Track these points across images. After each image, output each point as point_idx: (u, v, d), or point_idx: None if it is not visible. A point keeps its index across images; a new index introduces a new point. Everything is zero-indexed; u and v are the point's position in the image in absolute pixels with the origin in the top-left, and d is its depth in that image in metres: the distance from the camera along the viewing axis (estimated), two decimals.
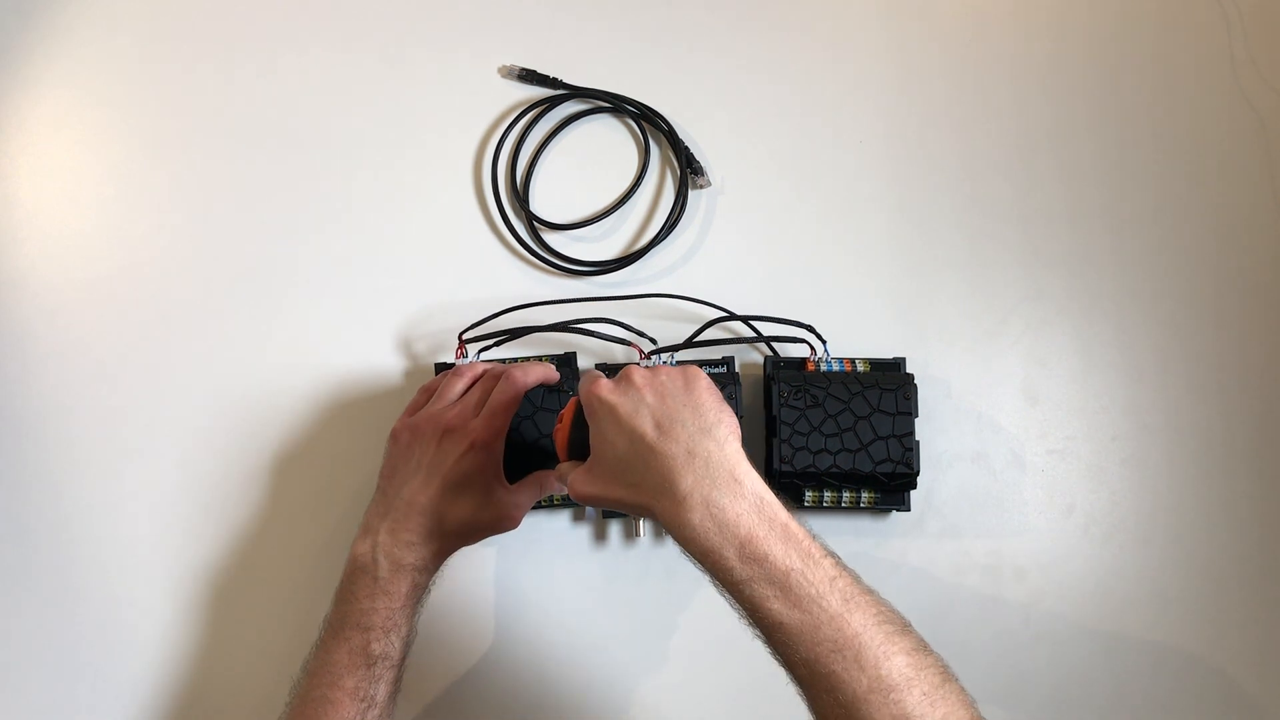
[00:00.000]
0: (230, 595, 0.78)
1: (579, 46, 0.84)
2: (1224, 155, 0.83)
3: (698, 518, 0.54)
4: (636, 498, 0.57)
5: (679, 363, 0.74)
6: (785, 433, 0.73)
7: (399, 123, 0.83)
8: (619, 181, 0.83)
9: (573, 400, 0.65)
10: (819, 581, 0.53)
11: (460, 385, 0.71)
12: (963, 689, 0.53)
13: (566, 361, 0.77)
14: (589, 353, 0.79)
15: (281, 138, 0.83)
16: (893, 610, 0.55)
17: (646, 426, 0.57)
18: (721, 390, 0.73)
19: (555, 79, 0.83)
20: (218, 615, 0.77)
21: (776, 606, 0.53)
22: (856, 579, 0.55)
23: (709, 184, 0.82)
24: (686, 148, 0.82)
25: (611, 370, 0.76)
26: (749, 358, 0.80)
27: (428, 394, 0.73)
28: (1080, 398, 0.80)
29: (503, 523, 0.69)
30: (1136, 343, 0.81)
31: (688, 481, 0.55)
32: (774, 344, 0.78)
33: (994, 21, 0.85)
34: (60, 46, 0.84)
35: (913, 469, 0.73)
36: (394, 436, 0.70)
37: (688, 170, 0.81)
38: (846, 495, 0.75)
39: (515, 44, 0.84)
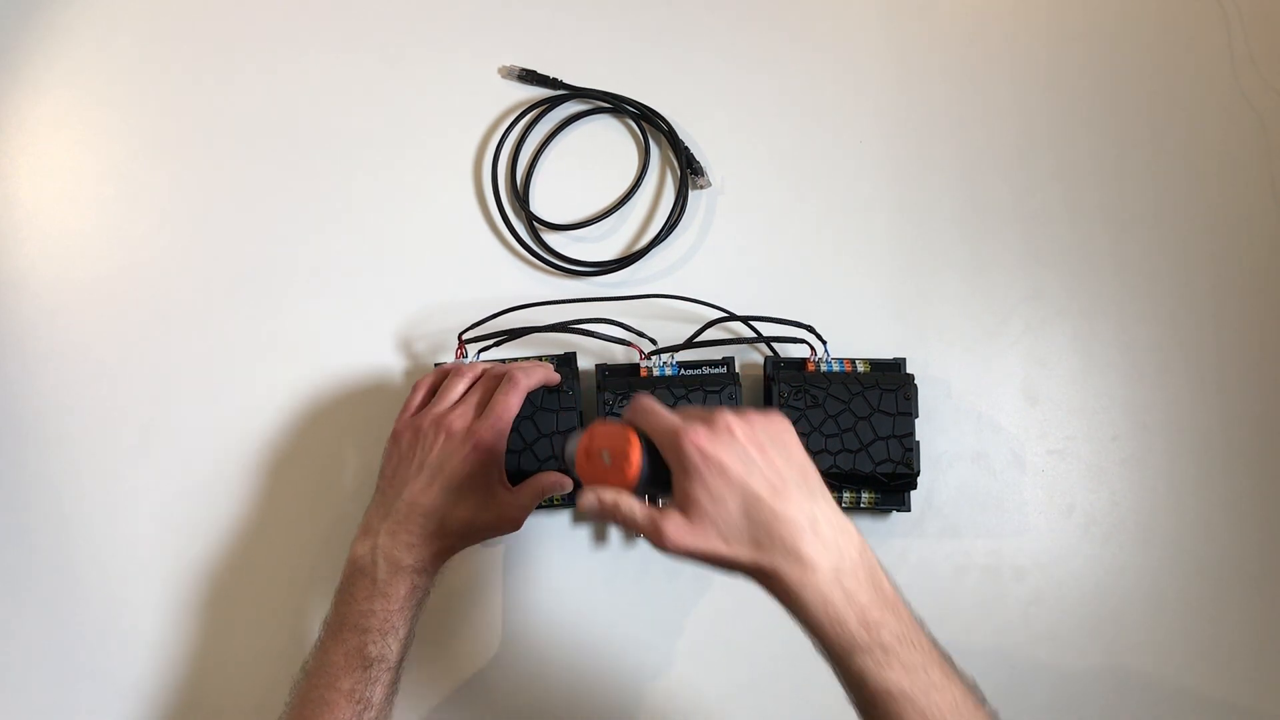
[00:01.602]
0: (230, 595, 0.78)
1: (579, 46, 0.84)
2: (1224, 155, 0.83)
3: (826, 584, 0.53)
4: (756, 560, 0.54)
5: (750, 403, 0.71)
6: None
7: (399, 123, 0.83)
8: (619, 182, 0.83)
9: (629, 432, 0.57)
10: (924, 650, 0.54)
11: (461, 385, 0.71)
12: None
13: (566, 362, 0.77)
14: (589, 353, 0.79)
15: (281, 138, 0.83)
16: (971, 680, 0.57)
17: (763, 490, 0.54)
18: (721, 390, 0.74)
19: (555, 79, 0.83)
20: (217, 615, 0.77)
21: (891, 676, 0.53)
22: (945, 651, 0.56)
23: (709, 184, 0.82)
24: (686, 148, 0.82)
25: (628, 381, 0.76)
26: (749, 358, 0.80)
27: (424, 390, 0.72)
28: (1080, 398, 0.80)
29: (505, 524, 0.69)
30: (1136, 343, 0.81)
31: (816, 547, 0.54)
32: (774, 344, 0.78)
33: (994, 21, 0.85)
34: (60, 46, 0.84)
35: (913, 469, 0.73)
36: (395, 436, 0.70)
37: (688, 170, 0.81)
38: (846, 495, 0.75)
39: (515, 44, 0.84)
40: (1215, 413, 0.80)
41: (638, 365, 0.76)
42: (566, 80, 0.83)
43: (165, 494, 0.78)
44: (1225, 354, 0.80)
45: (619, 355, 0.79)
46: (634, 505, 0.56)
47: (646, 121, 0.83)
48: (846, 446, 0.73)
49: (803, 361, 0.76)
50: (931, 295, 0.81)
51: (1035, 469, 0.79)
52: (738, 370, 0.77)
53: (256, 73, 0.84)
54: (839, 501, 0.74)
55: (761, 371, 0.78)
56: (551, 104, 0.83)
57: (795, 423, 0.73)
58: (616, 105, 0.83)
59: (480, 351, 0.76)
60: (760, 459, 0.55)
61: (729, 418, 0.55)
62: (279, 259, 0.81)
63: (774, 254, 0.82)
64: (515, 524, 0.69)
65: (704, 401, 0.73)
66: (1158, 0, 0.85)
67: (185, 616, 0.77)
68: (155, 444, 0.79)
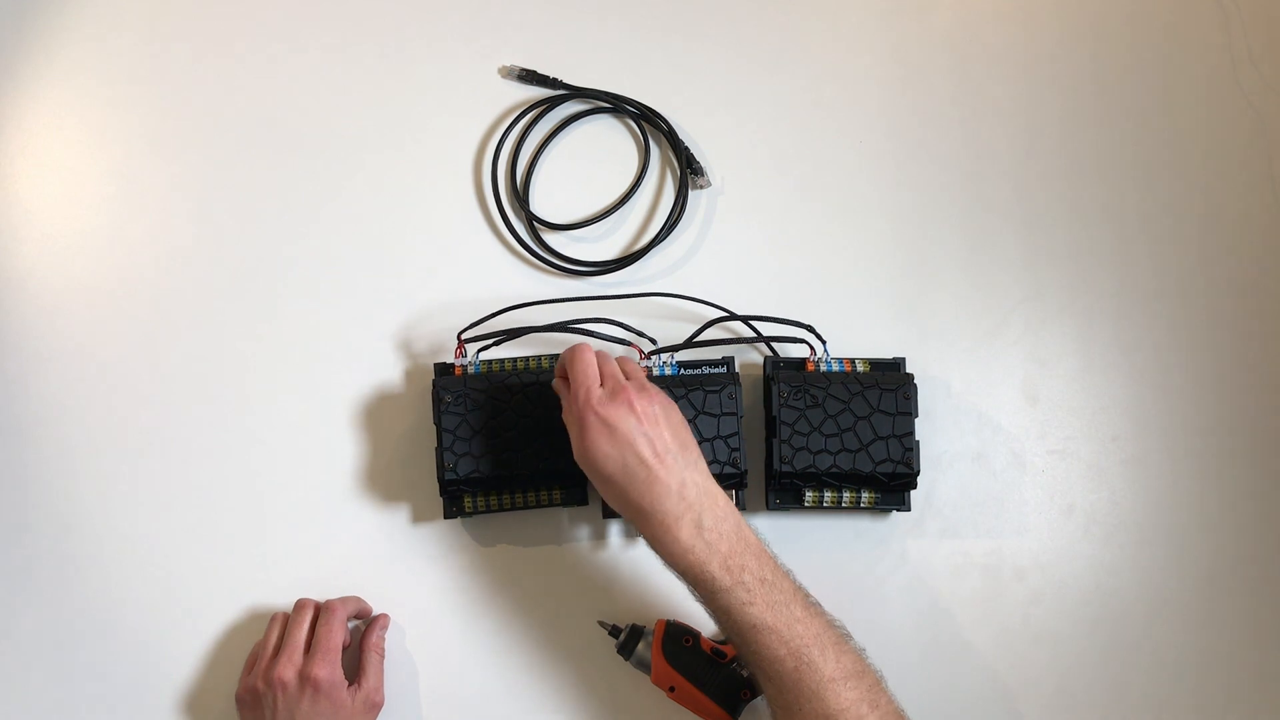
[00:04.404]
0: (230, 595, 0.78)
1: (579, 46, 0.84)
2: (1224, 155, 0.83)
3: (686, 535, 0.63)
4: (626, 506, 0.65)
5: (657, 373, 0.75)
6: (785, 433, 0.73)
7: (399, 123, 0.83)
8: (619, 181, 0.83)
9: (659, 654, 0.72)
10: (786, 590, 0.63)
11: (276, 632, 0.74)
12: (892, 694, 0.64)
13: None
14: None
15: (281, 138, 0.83)
16: (838, 622, 0.65)
17: (645, 452, 0.63)
18: (721, 390, 0.74)
19: (555, 79, 0.83)
20: (217, 615, 0.77)
21: (754, 611, 0.62)
22: (808, 594, 0.65)
23: (709, 184, 0.82)
24: (686, 148, 0.82)
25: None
26: (749, 358, 0.80)
27: (260, 647, 0.74)
28: (1080, 398, 0.80)
29: (371, 714, 0.73)
30: (1136, 343, 0.81)
31: (679, 507, 0.63)
32: (774, 344, 0.78)
33: (994, 21, 0.85)
34: (60, 46, 0.84)
35: (913, 469, 0.73)
36: (239, 702, 0.73)
37: (688, 170, 0.81)
38: (846, 495, 0.75)
39: (515, 44, 0.84)
40: (1215, 413, 0.80)
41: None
42: (566, 80, 0.83)
43: (165, 494, 0.78)
44: (1225, 354, 0.80)
45: (619, 355, 0.78)
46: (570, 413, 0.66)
47: (646, 121, 0.83)
48: (846, 446, 0.73)
49: (802, 361, 0.76)
50: (931, 295, 0.81)
51: (1035, 469, 0.79)
52: (738, 370, 0.77)
53: (256, 73, 0.84)
54: (839, 501, 0.75)
55: (761, 371, 0.78)
56: (551, 104, 0.83)
57: (795, 422, 0.73)
58: (616, 105, 0.83)
59: (480, 350, 0.76)
60: (649, 428, 0.64)
61: (630, 391, 0.65)
62: (279, 259, 0.81)
63: (774, 254, 0.82)
64: (377, 707, 0.73)
65: (704, 401, 0.73)
66: (1158, 0, 0.85)
67: (185, 616, 0.77)
68: (155, 444, 0.79)
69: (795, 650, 0.61)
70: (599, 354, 0.68)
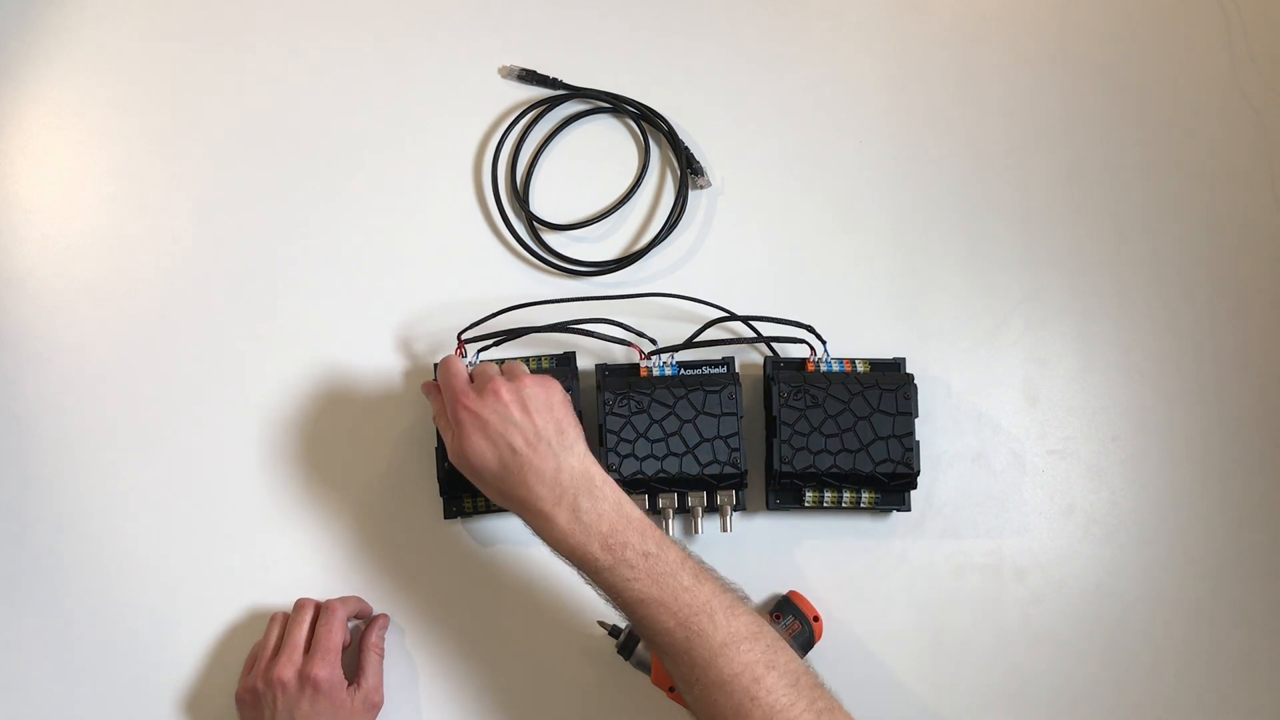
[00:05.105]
0: (230, 595, 0.78)
1: (579, 46, 0.84)
2: (1224, 155, 0.83)
3: (564, 519, 0.63)
4: (508, 499, 0.65)
5: (551, 360, 0.77)
6: (785, 433, 0.73)
7: (399, 123, 0.83)
8: (619, 182, 0.83)
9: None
10: (671, 562, 0.63)
11: (276, 632, 0.74)
12: (794, 652, 0.63)
13: (566, 361, 0.77)
14: (588, 352, 0.79)
15: (281, 138, 0.83)
16: (733, 585, 0.65)
17: (518, 442, 0.63)
18: (721, 390, 0.74)
19: (555, 79, 0.83)
20: (217, 615, 0.77)
21: (638, 586, 0.62)
22: (700, 561, 0.65)
23: (709, 184, 0.82)
24: (686, 148, 0.82)
25: (628, 381, 0.76)
26: (749, 358, 0.80)
27: (260, 647, 0.74)
28: (1080, 398, 0.80)
29: (371, 714, 0.73)
30: (1136, 343, 0.81)
31: (555, 492, 0.63)
32: (774, 344, 0.78)
33: (994, 21, 0.85)
34: (60, 46, 0.84)
35: (913, 469, 0.73)
36: (239, 702, 0.73)
37: (688, 170, 0.81)
38: (847, 495, 0.75)
39: (515, 44, 0.84)
40: (1215, 413, 0.80)
41: (638, 365, 0.76)
42: (566, 80, 0.83)
43: (165, 494, 0.78)
44: (1225, 354, 0.80)
45: (619, 355, 0.79)
46: (440, 416, 0.68)
47: (646, 121, 0.83)
48: (846, 446, 0.73)
49: (803, 361, 0.76)
50: (931, 295, 0.81)
51: (1035, 469, 0.79)
52: (738, 370, 0.77)
53: (256, 73, 0.84)
54: (839, 501, 0.75)
55: (761, 371, 0.78)
56: (551, 104, 0.83)
57: (795, 422, 0.73)
58: (616, 105, 0.83)
59: (480, 351, 0.76)
60: (520, 417, 0.64)
61: (498, 381, 0.65)
62: (279, 259, 0.81)
63: (774, 254, 0.82)
64: (379, 706, 0.73)
65: (704, 401, 0.73)
66: (1158, 0, 0.85)
67: (185, 616, 0.77)
68: (155, 444, 0.79)
69: (684, 620, 0.61)
70: (482, 363, 0.69)
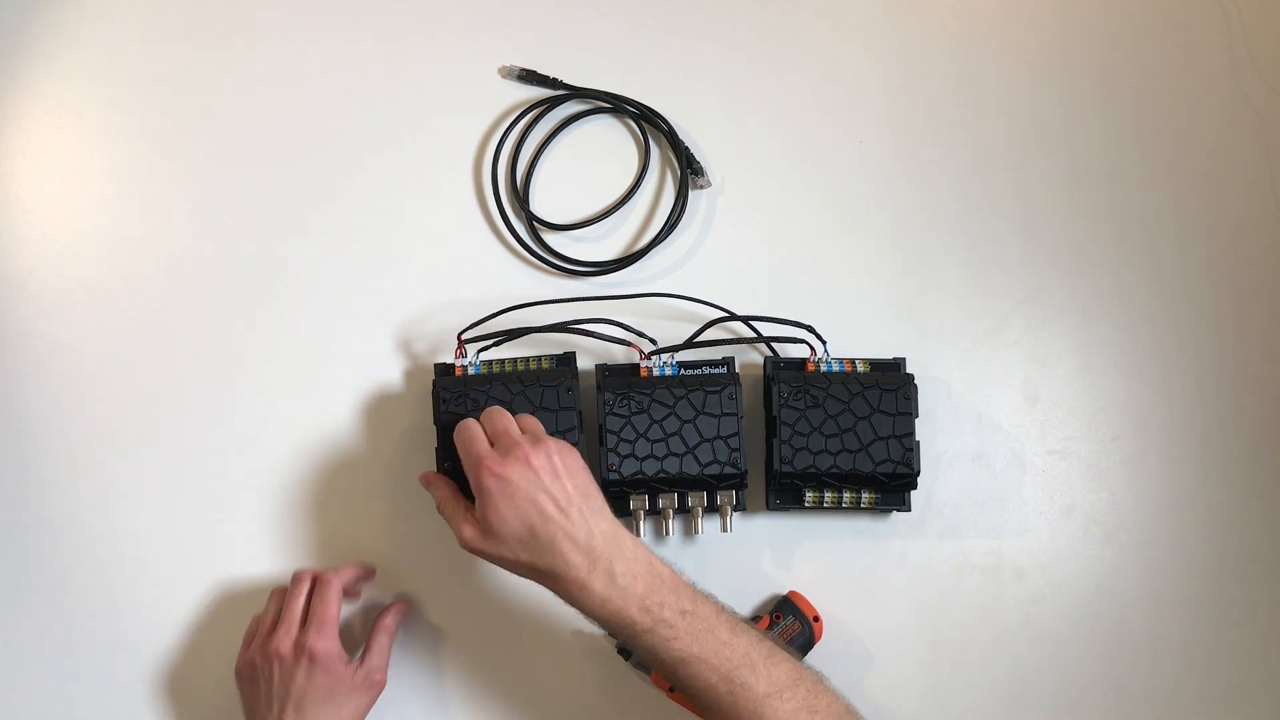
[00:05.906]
0: (229, 595, 0.78)
1: (579, 46, 0.84)
2: (1224, 155, 0.83)
3: (600, 586, 0.62)
4: (538, 567, 0.63)
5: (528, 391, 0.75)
6: (785, 433, 0.73)
7: (399, 123, 0.83)
8: (619, 182, 0.83)
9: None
10: (708, 617, 0.63)
11: (274, 606, 0.73)
12: (834, 689, 0.65)
13: (566, 361, 0.77)
14: (588, 353, 0.79)
15: (282, 138, 0.83)
16: (768, 636, 0.65)
17: (549, 508, 0.63)
18: (721, 390, 0.74)
19: (555, 79, 0.83)
20: (217, 615, 0.77)
21: (679, 645, 0.62)
22: (734, 612, 0.65)
23: (709, 184, 0.82)
24: (686, 148, 0.82)
25: (628, 381, 0.76)
26: (749, 358, 0.80)
27: (259, 621, 0.74)
28: (1080, 398, 0.80)
29: (372, 692, 0.72)
30: (1136, 343, 0.81)
31: (589, 559, 0.63)
32: (774, 344, 0.78)
33: (993, 21, 0.85)
34: (60, 46, 0.84)
35: (913, 469, 0.73)
36: (238, 676, 0.73)
37: (688, 170, 0.81)
38: (846, 496, 0.75)
39: (515, 44, 0.84)
40: (1215, 413, 0.80)
41: (638, 365, 0.76)
42: (566, 80, 0.83)
43: (165, 494, 0.78)
44: (1225, 354, 0.80)
45: (619, 355, 0.79)
46: (447, 502, 0.68)
47: (646, 121, 0.83)
48: (846, 446, 0.73)
49: (803, 361, 0.76)
50: (931, 295, 0.81)
51: (1035, 469, 0.79)
52: (738, 370, 0.77)
53: (256, 73, 0.84)
54: (839, 501, 0.75)
55: (761, 371, 0.78)
56: (551, 104, 0.83)
57: (795, 423, 0.73)
58: (616, 105, 0.83)
59: (480, 351, 0.76)
60: (551, 483, 0.63)
61: (524, 447, 0.64)
62: (279, 259, 0.81)
63: (774, 254, 0.82)
64: (380, 686, 0.72)
65: (704, 402, 0.73)
66: (1158, 1, 0.85)
67: (185, 617, 0.77)
68: (155, 444, 0.79)
69: (726, 675, 0.62)
70: (492, 409, 0.68)
